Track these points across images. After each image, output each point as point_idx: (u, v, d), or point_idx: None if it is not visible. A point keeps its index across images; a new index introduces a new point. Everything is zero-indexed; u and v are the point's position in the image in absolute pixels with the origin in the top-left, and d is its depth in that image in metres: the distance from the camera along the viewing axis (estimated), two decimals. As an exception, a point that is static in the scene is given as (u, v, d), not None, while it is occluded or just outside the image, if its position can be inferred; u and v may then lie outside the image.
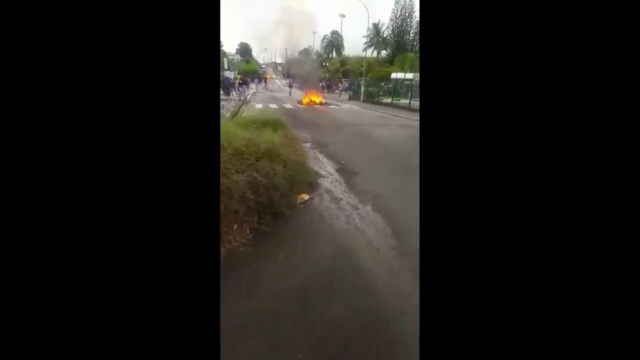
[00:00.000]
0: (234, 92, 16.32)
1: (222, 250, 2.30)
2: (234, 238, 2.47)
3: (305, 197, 3.50)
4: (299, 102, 16.59)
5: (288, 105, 15.10)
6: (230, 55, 32.90)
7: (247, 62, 44.01)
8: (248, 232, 2.64)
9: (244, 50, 49.95)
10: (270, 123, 4.32)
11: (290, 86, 23.17)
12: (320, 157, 5.40)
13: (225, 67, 20.30)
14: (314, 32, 40.82)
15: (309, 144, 5.98)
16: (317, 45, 42.52)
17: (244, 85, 19.67)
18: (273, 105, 14.59)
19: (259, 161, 3.10)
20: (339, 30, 46.44)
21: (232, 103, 12.60)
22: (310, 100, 16.69)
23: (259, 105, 14.28)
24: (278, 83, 31.10)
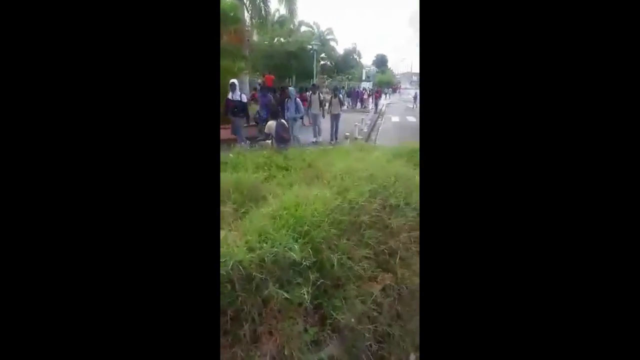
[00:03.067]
0: (370, 104, 15.78)
1: None
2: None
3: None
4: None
5: (428, 119, 13.28)
6: (367, 67, 33.17)
7: (383, 72, 43.68)
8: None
9: (380, 62, 50.00)
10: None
11: (415, 98, 21.20)
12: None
13: (363, 77, 20.18)
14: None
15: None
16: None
17: (379, 97, 19.05)
18: (411, 118, 13.14)
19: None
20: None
21: (369, 115, 11.89)
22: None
23: (395, 119, 13.14)
24: (412, 93, 29.57)
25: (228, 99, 5.28)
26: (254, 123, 6.00)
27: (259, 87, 6.66)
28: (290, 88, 6.76)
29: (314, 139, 6.43)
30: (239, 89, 5.39)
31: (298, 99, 6.19)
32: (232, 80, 5.39)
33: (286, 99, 6.17)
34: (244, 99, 5.45)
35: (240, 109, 5.33)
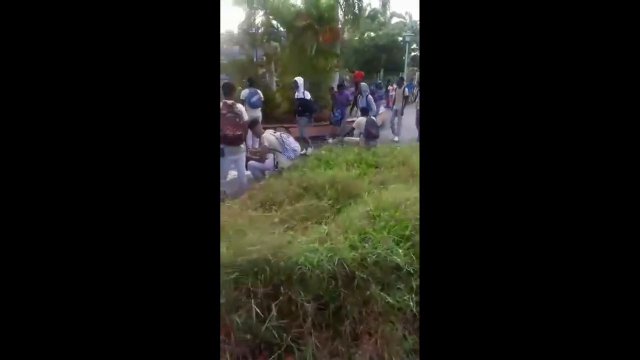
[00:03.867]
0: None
1: None
2: None
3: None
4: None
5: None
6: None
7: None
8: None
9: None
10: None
11: None
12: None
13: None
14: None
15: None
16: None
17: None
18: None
19: None
20: None
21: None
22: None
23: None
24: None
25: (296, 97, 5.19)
26: (328, 122, 5.84)
27: (346, 84, 6.44)
28: (362, 83, 6.19)
29: (393, 137, 5.91)
30: (303, 87, 5.18)
31: (370, 96, 5.76)
32: (295, 79, 5.24)
33: (358, 95, 5.76)
34: (307, 96, 5.26)
35: (304, 107, 5.15)
